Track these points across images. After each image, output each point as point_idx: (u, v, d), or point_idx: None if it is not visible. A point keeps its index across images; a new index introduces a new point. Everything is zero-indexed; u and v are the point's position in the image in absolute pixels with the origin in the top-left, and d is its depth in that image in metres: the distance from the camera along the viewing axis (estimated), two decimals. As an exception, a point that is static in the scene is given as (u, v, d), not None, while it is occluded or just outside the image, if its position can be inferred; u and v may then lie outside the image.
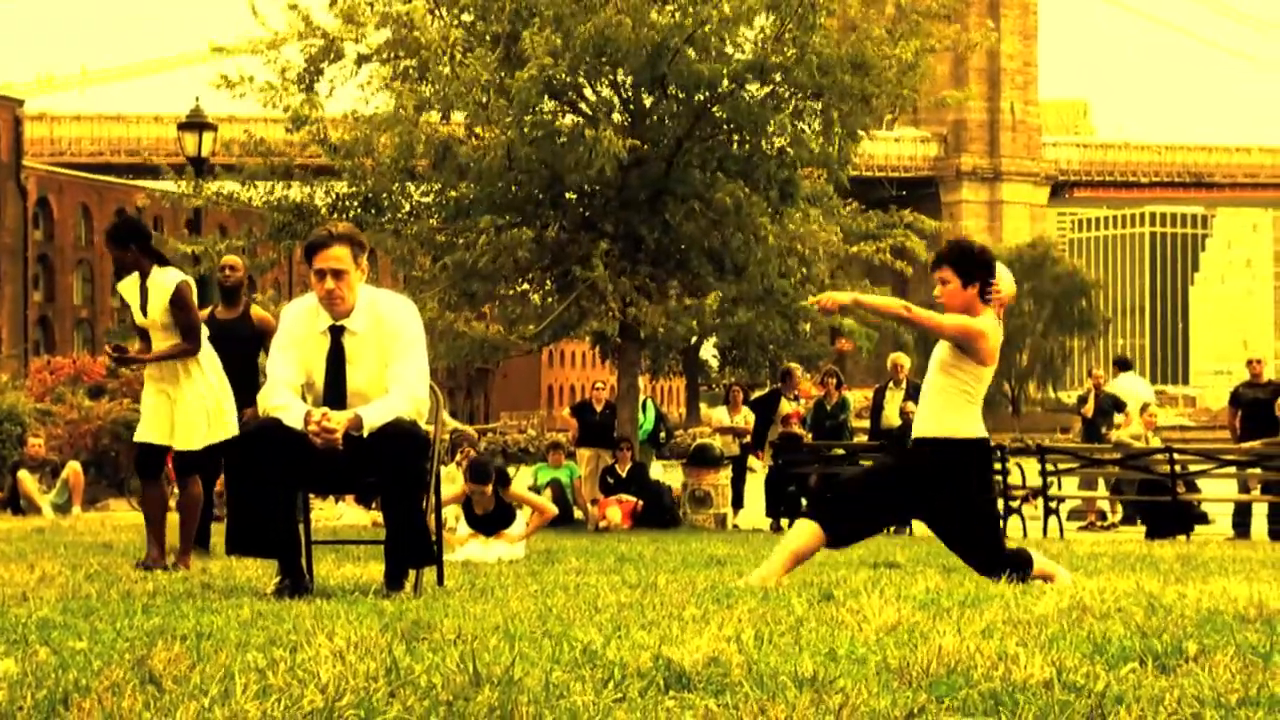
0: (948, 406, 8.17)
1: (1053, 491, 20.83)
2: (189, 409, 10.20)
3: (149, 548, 10.23)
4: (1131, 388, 24.74)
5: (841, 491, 8.59)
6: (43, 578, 8.59)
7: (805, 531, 8.28)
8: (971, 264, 8.15)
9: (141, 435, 10.31)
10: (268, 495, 7.42)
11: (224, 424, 10.33)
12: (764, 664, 4.38)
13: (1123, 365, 26.34)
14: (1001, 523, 8.60)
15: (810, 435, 21.67)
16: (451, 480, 13.32)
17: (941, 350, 8.22)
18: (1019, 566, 8.23)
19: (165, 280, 10.16)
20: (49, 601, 6.95)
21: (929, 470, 8.20)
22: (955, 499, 8.23)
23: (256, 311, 13.85)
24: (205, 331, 10.47)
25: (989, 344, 8.09)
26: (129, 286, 10.37)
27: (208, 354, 10.38)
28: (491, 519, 12.76)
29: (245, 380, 12.93)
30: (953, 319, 8.13)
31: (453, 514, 12.97)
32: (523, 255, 21.79)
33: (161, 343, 10.26)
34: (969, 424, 8.17)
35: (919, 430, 8.29)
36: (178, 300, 10.10)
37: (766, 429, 22.19)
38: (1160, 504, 19.81)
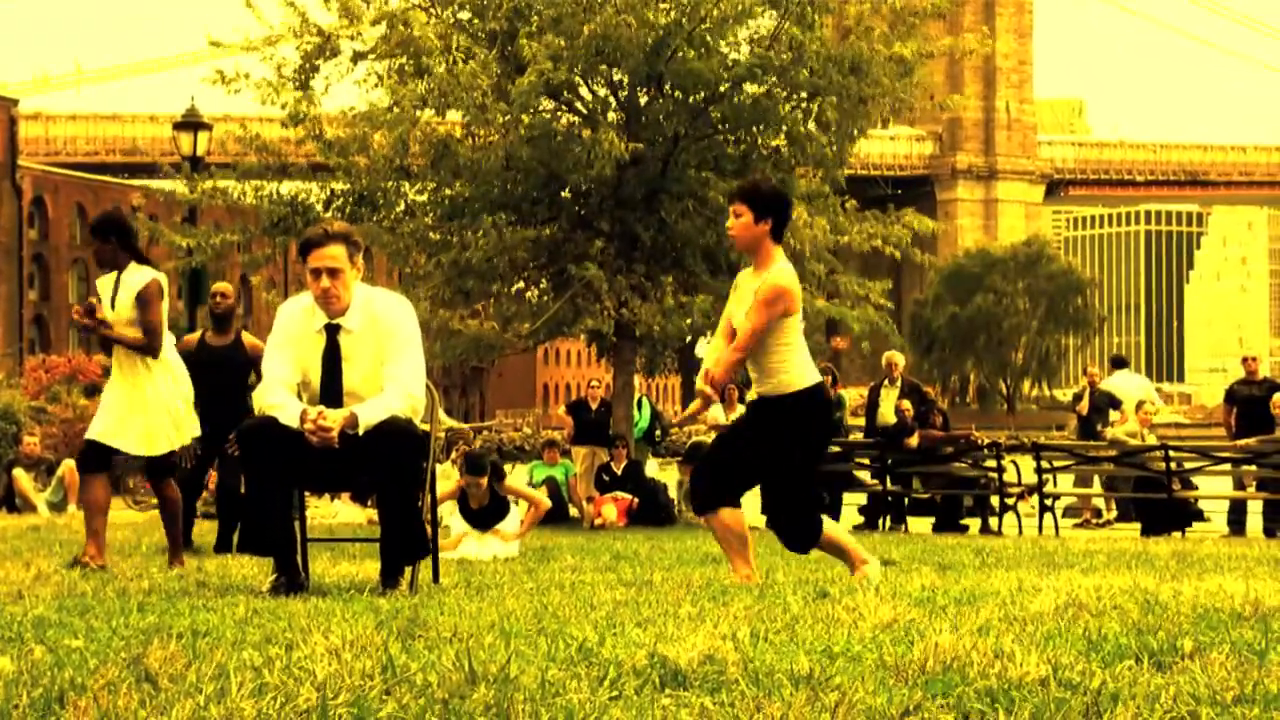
0: (779, 365, 8.19)
1: (1048, 489, 20.84)
2: (156, 414, 10.02)
3: (88, 544, 9.93)
4: (1126, 385, 24.73)
5: (701, 466, 8.72)
6: (38, 576, 8.59)
7: (728, 517, 8.33)
8: (765, 200, 8.21)
9: (101, 435, 10.00)
10: (263, 493, 7.43)
11: (188, 429, 10.20)
12: (760, 662, 4.37)
13: (1118, 363, 26.36)
14: (814, 487, 8.67)
15: None
16: (446, 478, 13.33)
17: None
18: (809, 539, 8.33)
19: (137, 278, 10.04)
20: (45, 600, 6.94)
21: (769, 423, 8.24)
22: (784, 449, 8.24)
23: (248, 338, 13.76)
24: (170, 339, 10.32)
25: (792, 295, 8.15)
26: (105, 282, 10.26)
27: (174, 360, 10.22)
28: (486, 513, 12.77)
29: (237, 407, 12.94)
30: (755, 318, 8.15)
31: (447, 511, 12.97)
32: (520, 255, 21.82)
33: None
34: (799, 375, 8.20)
35: (759, 390, 8.32)
36: (143, 297, 9.95)
37: None
38: (1156, 501, 19.82)
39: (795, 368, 8.19)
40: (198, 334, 14.06)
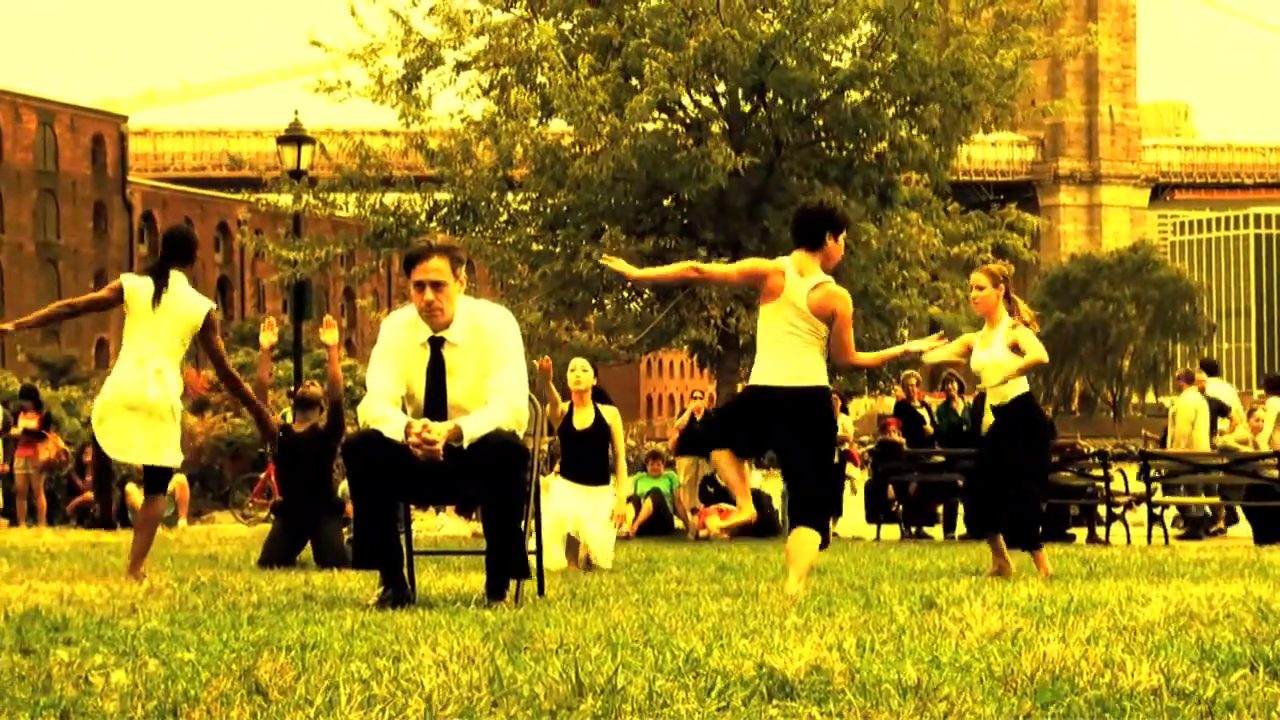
0: (803, 360, 8.43)
1: (1156, 498, 20.56)
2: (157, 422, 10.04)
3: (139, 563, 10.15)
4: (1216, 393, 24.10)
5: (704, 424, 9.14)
6: (151, 590, 8.69)
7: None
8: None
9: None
10: (370, 507, 7.46)
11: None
12: (867, 672, 4.36)
13: (1210, 369, 25.21)
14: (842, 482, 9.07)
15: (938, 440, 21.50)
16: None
17: (784, 317, 8.40)
18: (822, 529, 8.54)
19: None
20: (157, 613, 7.02)
21: (782, 414, 8.42)
22: (799, 441, 8.47)
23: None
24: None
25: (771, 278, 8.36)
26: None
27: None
28: (589, 459, 12.88)
29: (319, 491, 13.05)
30: (740, 265, 8.64)
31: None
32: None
33: None
34: (818, 373, 8.49)
35: (774, 381, 8.46)
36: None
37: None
38: (1269, 509, 19.51)
39: (817, 368, 8.52)
40: (283, 414, 14.08)
